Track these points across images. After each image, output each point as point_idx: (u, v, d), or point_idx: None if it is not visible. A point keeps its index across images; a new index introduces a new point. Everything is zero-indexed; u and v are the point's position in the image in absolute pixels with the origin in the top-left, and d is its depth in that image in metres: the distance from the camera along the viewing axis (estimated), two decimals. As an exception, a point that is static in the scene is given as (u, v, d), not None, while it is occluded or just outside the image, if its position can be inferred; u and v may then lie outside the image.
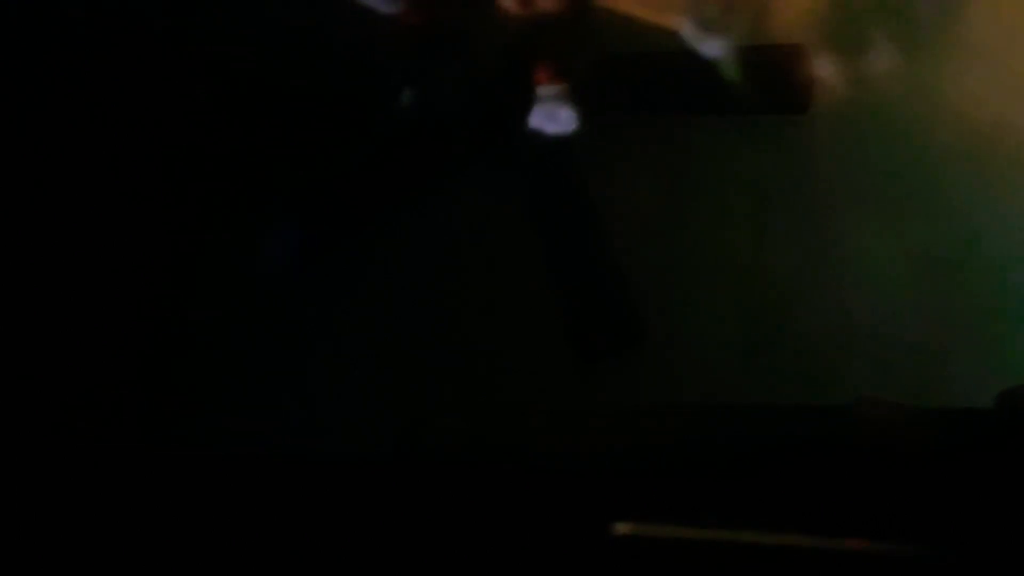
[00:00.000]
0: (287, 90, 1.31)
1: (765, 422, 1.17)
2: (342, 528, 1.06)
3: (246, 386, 1.28)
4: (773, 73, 1.32)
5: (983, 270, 1.31)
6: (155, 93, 1.31)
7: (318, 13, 1.27)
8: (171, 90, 1.31)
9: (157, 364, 1.27)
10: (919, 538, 1.12)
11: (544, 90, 1.27)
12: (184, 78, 1.30)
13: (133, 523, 1.08)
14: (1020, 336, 1.32)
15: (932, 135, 1.32)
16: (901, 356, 1.29)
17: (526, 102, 1.29)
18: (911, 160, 1.31)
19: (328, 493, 1.08)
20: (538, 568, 1.06)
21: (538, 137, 1.28)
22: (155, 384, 1.26)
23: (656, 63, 1.33)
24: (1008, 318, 1.32)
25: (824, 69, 1.30)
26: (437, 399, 1.26)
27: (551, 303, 1.31)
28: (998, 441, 1.15)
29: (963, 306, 1.31)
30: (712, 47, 1.27)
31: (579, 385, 1.31)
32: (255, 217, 1.30)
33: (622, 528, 1.07)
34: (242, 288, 1.30)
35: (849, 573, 1.12)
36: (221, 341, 1.28)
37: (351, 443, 1.21)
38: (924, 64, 1.34)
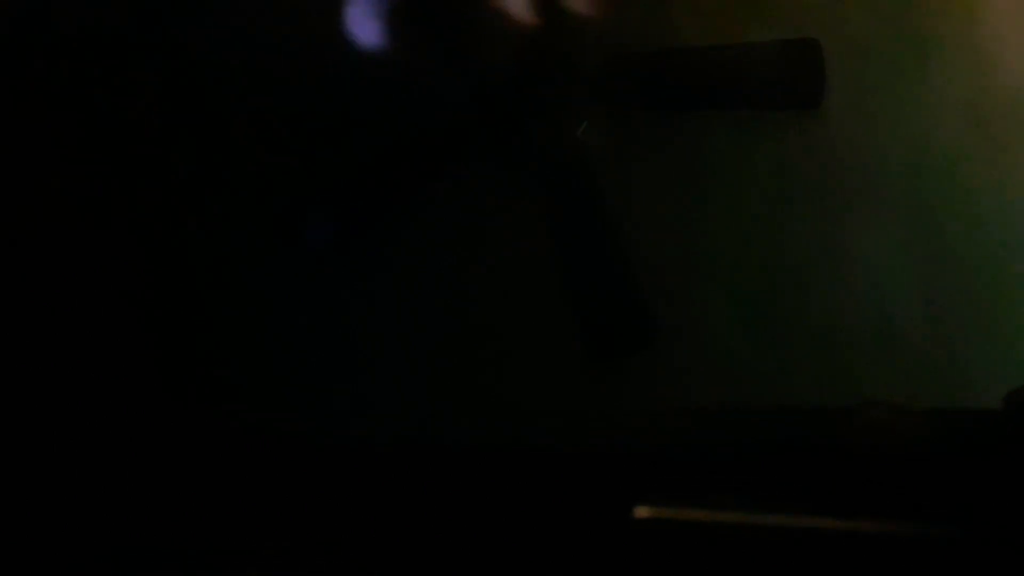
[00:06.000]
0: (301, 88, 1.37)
1: (769, 424, 1.21)
2: (364, 512, 1.14)
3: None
4: (785, 68, 1.33)
5: (991, 269, 1.28)
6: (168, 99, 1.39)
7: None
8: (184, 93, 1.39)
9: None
10: (925, 539, 1.13)
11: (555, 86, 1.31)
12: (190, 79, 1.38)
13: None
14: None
15: (944, 129, 1.31)
16: (908, 356, 1.28)
17: (541, 99, 1.33)
18: (922, 154, 1.30)
19: (349, 477, 1.16)
20: (560, 550, 1.12)
21: (551, 134, 1.32)
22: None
23: (668, 60, 1.35)
24: (1016, 317, 1.29)
25: (836, 63, 1.30)
26: (450, 399, 1.33)
27: (566, 304, 1.33)
28: (1005, 442, 1.15)
29: (970, 305, 1.29)
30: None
31: (593, 386, 1.35)
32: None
33: (643, 512, 1.13)
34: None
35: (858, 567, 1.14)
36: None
37: (368, 432, 1.27)
38: (935, 57, 1.33)
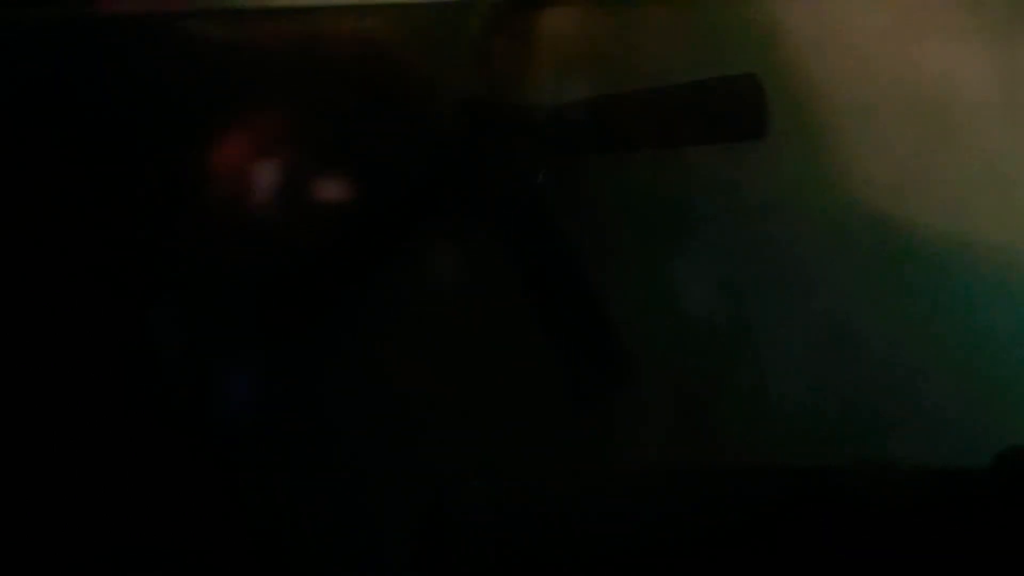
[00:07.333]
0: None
1: (759, 483, 1.20)
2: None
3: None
4: (730, 101, 1.36)
5: (973, 317, 1.26)
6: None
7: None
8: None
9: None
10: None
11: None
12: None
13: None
14: (1018, 395, 1.25)
15: (898, 154, 1.30)
16: (896, 414, 1.25)
17: (494, 155, 1.35)
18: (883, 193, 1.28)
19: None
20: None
21: (510, 187, 1.33)
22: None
23: (615, 104, 1.37)
24: (1007, 376, 1.25)
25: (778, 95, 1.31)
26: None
27: (540, 353, 1.31)
28: (996, 503, 1.13)
29: (959, 362, 1.26)
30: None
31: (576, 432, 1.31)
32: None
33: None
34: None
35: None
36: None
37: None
38: (883, 86, 1.33)
